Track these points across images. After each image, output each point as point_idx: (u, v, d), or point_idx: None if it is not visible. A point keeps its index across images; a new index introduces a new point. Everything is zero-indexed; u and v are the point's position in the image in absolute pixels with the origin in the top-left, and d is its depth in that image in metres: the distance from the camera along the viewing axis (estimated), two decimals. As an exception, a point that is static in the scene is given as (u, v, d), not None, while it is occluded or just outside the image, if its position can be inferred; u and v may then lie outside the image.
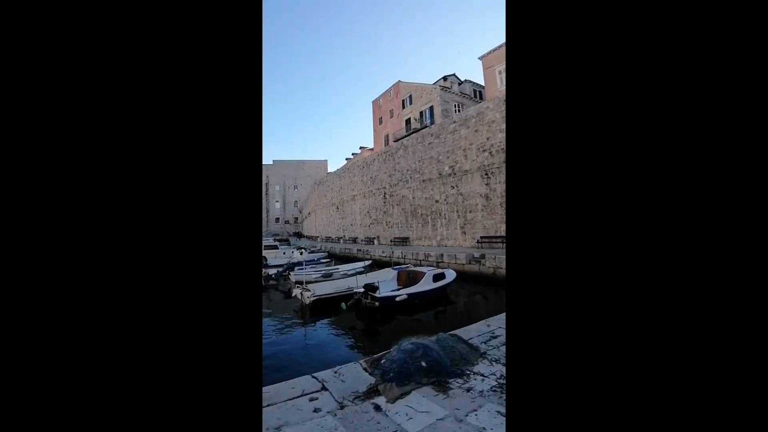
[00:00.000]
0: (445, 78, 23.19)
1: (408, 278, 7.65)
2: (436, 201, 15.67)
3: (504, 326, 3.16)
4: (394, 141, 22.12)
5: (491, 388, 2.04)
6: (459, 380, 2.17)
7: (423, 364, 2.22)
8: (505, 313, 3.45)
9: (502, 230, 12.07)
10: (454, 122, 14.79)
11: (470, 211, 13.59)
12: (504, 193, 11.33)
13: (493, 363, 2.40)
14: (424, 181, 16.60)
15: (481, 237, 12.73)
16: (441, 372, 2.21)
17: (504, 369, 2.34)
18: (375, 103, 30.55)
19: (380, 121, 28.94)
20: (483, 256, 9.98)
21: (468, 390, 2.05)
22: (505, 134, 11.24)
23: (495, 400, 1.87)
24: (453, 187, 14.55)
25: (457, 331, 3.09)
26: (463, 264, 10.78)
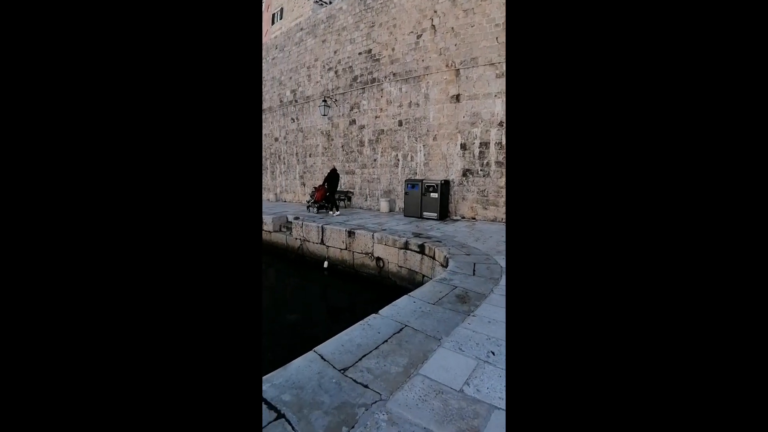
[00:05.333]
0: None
1: None
2: (276, 139, 13.59)
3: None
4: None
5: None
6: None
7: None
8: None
9: (343, 182, 10.66)
10: (301, 29, 12.16)
11: (310, 155, 11.99)
12: (347, 132, 10.54)
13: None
14: (264, 110, 14.17)
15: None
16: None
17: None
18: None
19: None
20: (297, 219, 7.98)
21: None
22: (354, 47, 10.19)
23: None
24: (294, 120, 12.70)
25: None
26: (269, 232, 8.45)
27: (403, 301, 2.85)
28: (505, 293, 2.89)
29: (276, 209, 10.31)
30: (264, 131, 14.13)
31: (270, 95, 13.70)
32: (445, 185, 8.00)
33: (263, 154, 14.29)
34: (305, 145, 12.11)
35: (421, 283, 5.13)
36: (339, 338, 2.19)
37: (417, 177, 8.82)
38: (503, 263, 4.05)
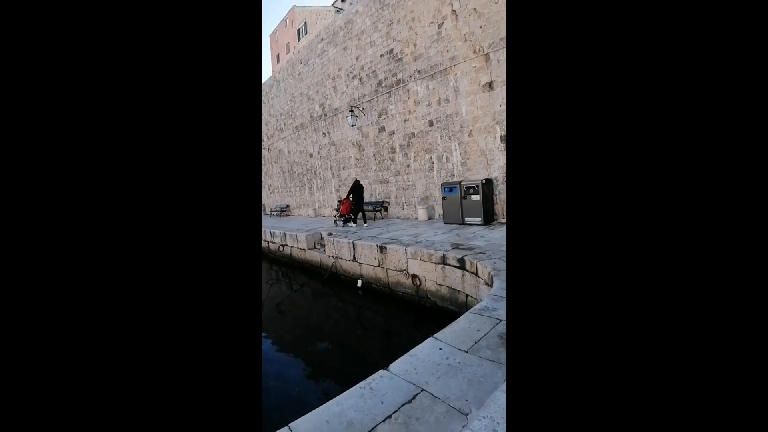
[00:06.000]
0: (344, -5, 19.37)
1: None
2: (310, 155, 13.60)
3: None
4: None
5: None
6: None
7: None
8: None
9: (378, 192, 10.52)
10: (322, 40, 12.02)
11: (344, 167, 11.71)
12: (377, 140, 10.06)
13: None
14: (297, 127, 14.36)
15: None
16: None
17: None
18: (272, 37, 26.41)
19: (278, 58, 24.96)
20: (329, 235, 7.48)
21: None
22: (375, 49, 9.77)
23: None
24: (325, 134, 12.54)
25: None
26: (304, 250, 8.39)
27: (424, 349, 2.18)
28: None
29: (312, 225, 10.15)
30: (299, 148, 14.29)
31: (300, 111, 13.82)
32: (488, 185, 7.12)
33: (299, 170, 14.43)
34: (338, 158, 11.91)
35: (465, 304, 4.39)
36: (326, 409, 1.62)
37: (454, 179, 8.04)
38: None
